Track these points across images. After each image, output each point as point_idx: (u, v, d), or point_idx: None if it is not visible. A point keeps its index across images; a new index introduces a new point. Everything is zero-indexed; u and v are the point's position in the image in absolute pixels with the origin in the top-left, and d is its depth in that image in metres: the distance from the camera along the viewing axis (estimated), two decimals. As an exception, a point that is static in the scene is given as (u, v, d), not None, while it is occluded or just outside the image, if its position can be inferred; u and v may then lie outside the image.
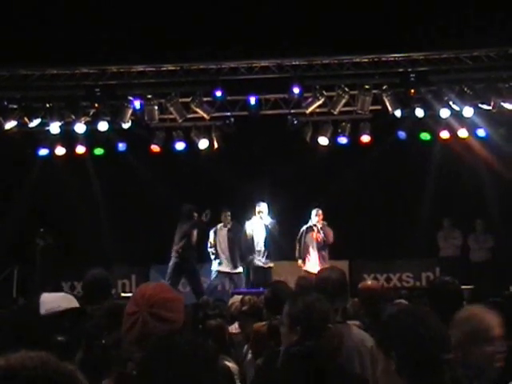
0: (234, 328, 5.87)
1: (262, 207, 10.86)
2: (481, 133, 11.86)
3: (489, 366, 2.74)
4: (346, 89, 11.36)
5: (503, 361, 2.78)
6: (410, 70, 11.14)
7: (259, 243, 10.78)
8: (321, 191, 12.18)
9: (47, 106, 11.42)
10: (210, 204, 11.07)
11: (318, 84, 11.44)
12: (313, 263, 10.60)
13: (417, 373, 2.21)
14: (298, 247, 10.87)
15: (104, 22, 10.91)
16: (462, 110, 11.16)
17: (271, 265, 10.84)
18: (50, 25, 10.83)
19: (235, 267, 10.97)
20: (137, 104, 11.51)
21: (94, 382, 2.43)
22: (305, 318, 2.93)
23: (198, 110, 11.60)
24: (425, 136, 12.14)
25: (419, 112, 11.29)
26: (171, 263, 10.71)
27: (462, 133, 11.81)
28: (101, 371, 2.53)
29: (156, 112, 11.57)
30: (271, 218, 10.91)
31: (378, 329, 2.46)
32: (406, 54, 11.15)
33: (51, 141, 12.06)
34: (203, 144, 11.91)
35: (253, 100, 11.69)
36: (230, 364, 4.51)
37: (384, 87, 11.33)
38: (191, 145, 12.05)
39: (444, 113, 11.25)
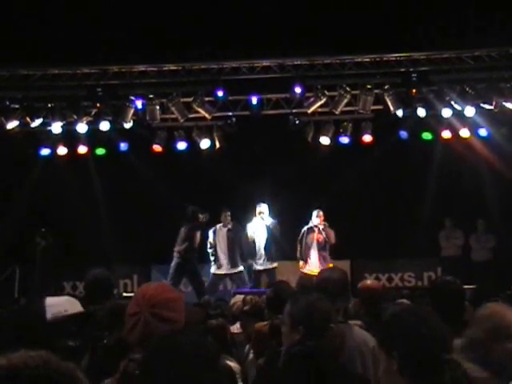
0: (236, 328, 5.87)
1: (263, 208, 10.84)
2: (482, 132, 11.86)
3: (511, 362, 2.72)
4: (348, 88, 11.36)
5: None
6: (411, 69, 11.13)
7: (260, 247, 10.76)
8: (322, 191, 12.18)
9: (49, 105, 11.43)
10: (211, 204, 11.08)
11: (319, 84, 11.44)
12: (313, 264, 10.60)
13: (418, 372, 2.21)
14: (299, 248, 10.86)
15: (105, 21, 10.91)
16: (463, 110, 11.16)
17: (275, 265, 10.82)
18: (51, 25, 10.83)
19: (235, 266, 10.91)
20: (138, 104, 11.51)
21: (99, 383, 2.44)
22: (306, 317, 2.92)
23: (199, 109, 11.60)
24: (426, 136, 12.13)
25: (421, 112, 11.29)
26: (173, 263, 10.70)
27: (464, 132, 11.81)
28: (105, 372, 2.54)
29: (158, 112, 11.57)
30: (272, 218, 10.90)
31: (379, 328, 2.45)
32: (408, 54, 11.14)
33: (53, 141, 12.07)
34: (205, 144, 11.91)
35: (254, 100, 11.69)
36: (232, 363, 4.51)
37: (386, 87, 11.32)
38: (193, 145, 12.06)
39: (446, 112, 11.24)
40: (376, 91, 11.34)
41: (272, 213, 10.96)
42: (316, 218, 10.78)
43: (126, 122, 11.59)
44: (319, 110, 11.74)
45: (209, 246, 11.02)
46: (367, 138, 11.84)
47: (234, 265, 10.88)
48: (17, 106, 11.42)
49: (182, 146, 12.04)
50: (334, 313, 3.10)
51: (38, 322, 2.53)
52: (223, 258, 10.93)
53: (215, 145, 12.00)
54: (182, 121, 11.72)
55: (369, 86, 11.26)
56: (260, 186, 11.77)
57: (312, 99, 11.49)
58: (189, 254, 10.67)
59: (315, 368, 2.65)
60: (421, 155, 12.42)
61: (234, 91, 11.57)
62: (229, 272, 10.98)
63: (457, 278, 4.29)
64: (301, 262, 10.82)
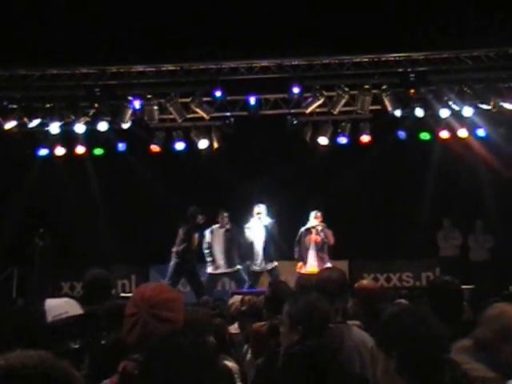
0: (234, 328, 5.87)
1: (261, 208, 10.82)
2: (480, 133, 11.87)
3: None
4: (346, 89, 11.36)
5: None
6: (409, 69, 11.13)
7: (258, 248, 10.72)
8: (320, 191, 12.18)
9: (47, 106, 11.41)
10: (209, 204, 11.06)
11: (317, 84, 11.43)
12: (311, 265, 10.58)
13: (417, 373, 2.21)
14: (296, 250, 10.84)
15: (104, 21, 10.90)
16: (461, 110, 11.16)
17: (275, 264, 10.79)
18: (50, 25, 10.82)
19: (232, 266, 10.88)
20: (136, 104, 11.50)
21: (99, 382, 2.43)
22: (306, 317, 2.92)
23: (197, 109, 11.60)
24: (424, 136, 12.13)
25: (419, 112, 11.28)
26: (172, 263, 10.69)
27: (462, 133, 11.81)
28: (103, 372, 2.53)
29: (156, 112, 11.57)
30: (270, 218, 10.88)
31: (377, 329, 2.45)
32: (406, 54, 11.15)
33: (51, 141, 12.04)
34: (203, 144, 11.90)
35: (252, 100, 11.68)
36: (231, 364, 4.50)
37: (384, 87, 11.33)
38: (191, 145, 12.04)
39: (444, 113, 11.25)
40: (374, 91, 11.35)
41: (270, 213, 10.93)
42: (314, 219, 10.77)
43: (124, 123, 11.58)
44: (317, 110, 11.74)
45: (205, 246, 10.98)
46: (365, 138, 11.84)
47: (231, 265, 10.85)
48: (15, 106, 11.41)
49: (180, 146, 12.03)
50: (333, 313, 3.10)
51: (36, 323, 2.53)
52: (220, 259, 10.87)
53: (213, 145, 11.99)
54: (180, 121, 11.72)
55: (367, 86, 11.27)
56: (258, 186, 11.78)
57: (310, 99, 11.49)
58: (187, 255, 10.66)
59: (314, 368, 2.65)
60: (419, 155, 12.44)
61: (232, 91, 11.57)
62: (226, 271, 10.95)
63: (455, 278, 4.29)
64: (299, 263, 10.81)
